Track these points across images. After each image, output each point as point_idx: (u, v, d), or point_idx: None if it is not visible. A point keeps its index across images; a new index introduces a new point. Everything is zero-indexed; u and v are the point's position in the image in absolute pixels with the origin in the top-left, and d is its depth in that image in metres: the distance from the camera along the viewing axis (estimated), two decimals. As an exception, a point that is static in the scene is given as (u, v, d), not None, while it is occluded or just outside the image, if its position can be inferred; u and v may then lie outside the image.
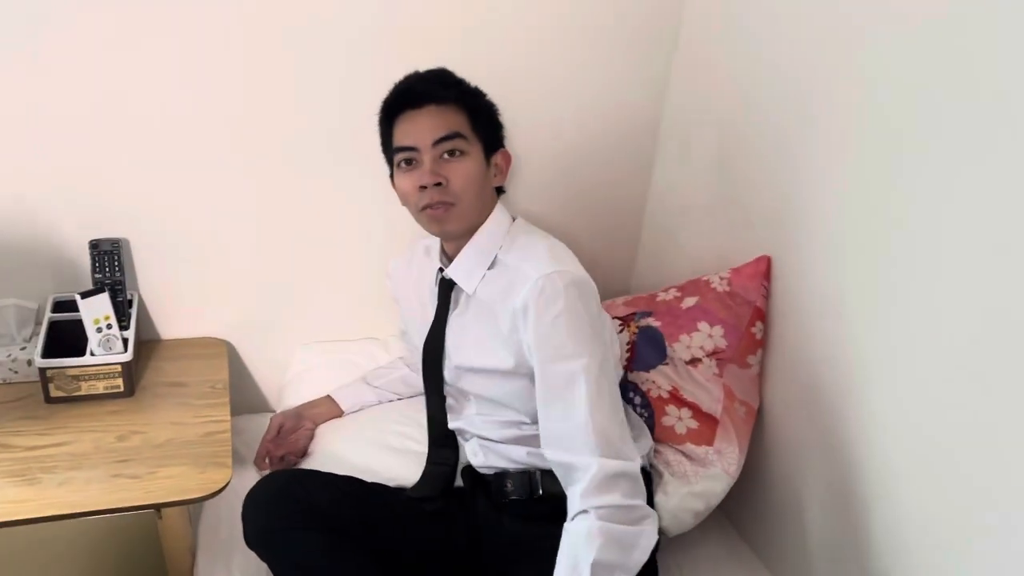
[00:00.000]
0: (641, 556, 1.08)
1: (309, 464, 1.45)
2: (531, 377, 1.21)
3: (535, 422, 1.23)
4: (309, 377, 1.65)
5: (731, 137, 1.54)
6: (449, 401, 1.41)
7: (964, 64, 1.02)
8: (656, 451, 1.42)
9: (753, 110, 1.46)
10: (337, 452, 1.47)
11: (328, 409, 1.56)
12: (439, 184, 1.22)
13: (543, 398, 1.19)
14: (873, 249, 1.19)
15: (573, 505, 1.11)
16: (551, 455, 1.17)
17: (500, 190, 1.35)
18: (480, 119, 1.27)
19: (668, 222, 1.78)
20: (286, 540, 1.18)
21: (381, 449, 1.47)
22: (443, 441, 1.42)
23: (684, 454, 1.40)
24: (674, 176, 1.74)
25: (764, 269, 1.44)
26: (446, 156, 1.23)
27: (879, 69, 1.16)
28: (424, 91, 1.25)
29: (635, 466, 1.13)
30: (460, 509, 1.36)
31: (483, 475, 1.36)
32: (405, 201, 1.29)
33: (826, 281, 1.30)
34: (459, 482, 1.41)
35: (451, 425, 1.41)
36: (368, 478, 1.36)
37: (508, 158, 1.34)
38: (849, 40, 1.22)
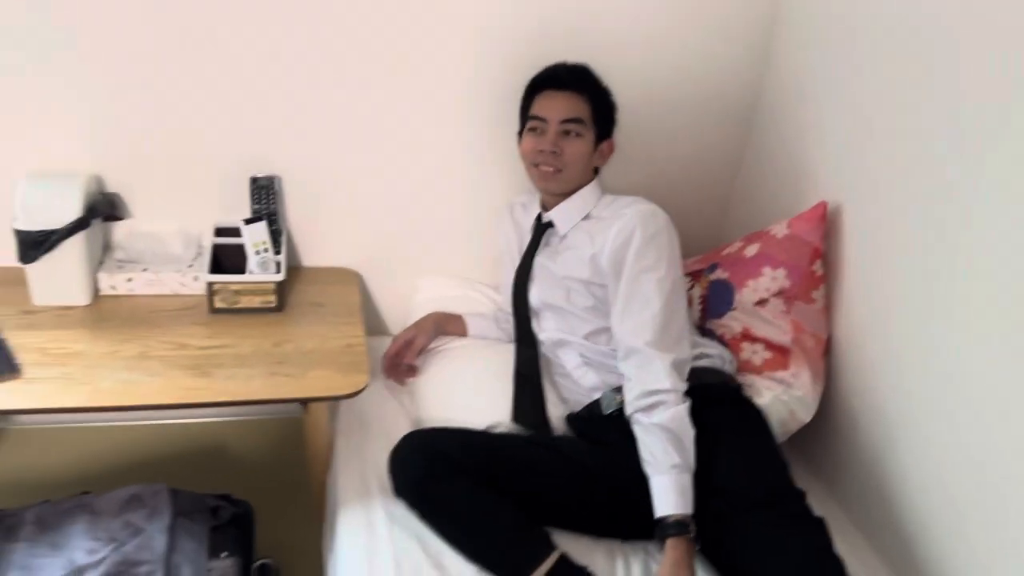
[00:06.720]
0: (690, 445, 1.36)
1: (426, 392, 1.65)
2: (597, 294, 1.52)
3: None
4: (433, 305, 1.82)
5: (826, 104, 1.65)
6: (533, 320, 1.65)
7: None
8: (744, 384, 1.57)
9: (855, 78, 1.57)
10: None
11: (459, 328, 1.77)
12: (555, 152, 1.53)
13: (625, 298, 1.46)
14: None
15: (648, 386, 1.38)
16: (622, 340, 1.45)
17: (596, 170, 1.63)
18: (601, 113, 1.58)
19: (761, 185, 1.91)
20: (436, 489, 1.34)
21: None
22: (528, 340, 1.65)
23: (770, 379, 1.56)
24: (770, 140, 1.87)
25: (821, 213, 1.60)
26: (566, 134, 1.53)
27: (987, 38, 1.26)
28: (567, 79, 1.56)
29: (687, 356, 1.44)
30: (576, 442, 1.53)
31: (589, 407, 1.54)
32: (524, 156, 1.61)
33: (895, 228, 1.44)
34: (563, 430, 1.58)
35: (537, 334, 1.64)
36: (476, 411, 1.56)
37: (612, 148, 1.64)
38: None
